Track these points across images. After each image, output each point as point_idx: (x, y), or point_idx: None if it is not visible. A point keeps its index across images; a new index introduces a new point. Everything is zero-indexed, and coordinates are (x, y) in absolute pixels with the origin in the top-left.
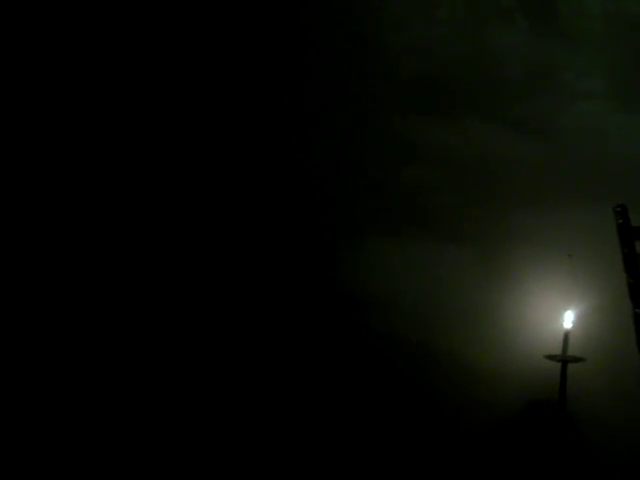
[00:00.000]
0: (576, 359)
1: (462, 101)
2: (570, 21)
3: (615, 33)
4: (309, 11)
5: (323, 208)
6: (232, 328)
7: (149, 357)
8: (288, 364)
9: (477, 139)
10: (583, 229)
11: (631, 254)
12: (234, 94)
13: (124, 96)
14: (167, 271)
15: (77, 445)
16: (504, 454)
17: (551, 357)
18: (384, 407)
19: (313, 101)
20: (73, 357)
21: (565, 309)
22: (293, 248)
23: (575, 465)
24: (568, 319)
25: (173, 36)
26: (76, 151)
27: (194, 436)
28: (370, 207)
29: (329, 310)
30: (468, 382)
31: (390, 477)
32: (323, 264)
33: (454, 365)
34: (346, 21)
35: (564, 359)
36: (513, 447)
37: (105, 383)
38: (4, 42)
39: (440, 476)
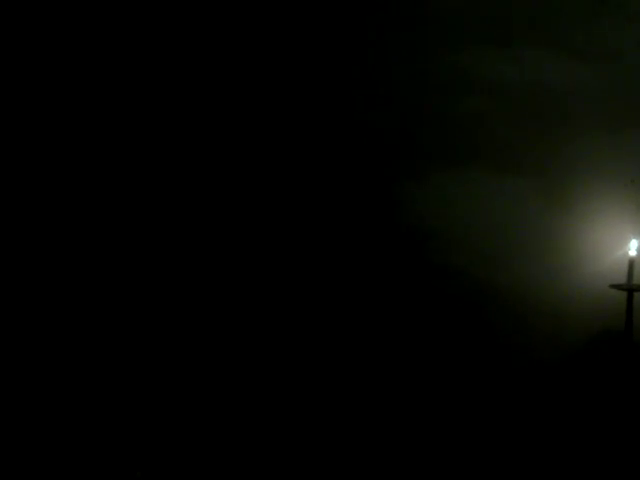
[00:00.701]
0: None
1: (518, 30)
2: None
3: None
4: None
5: (384, 145)
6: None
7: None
8: (349, 297)
9: (535, 68)
10: None
11: None
12: (281, 26)
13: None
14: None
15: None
16: (572, 385)
17: (617, 286)
18: (445, 342)
19: (369, 34)
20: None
21: (630, 237)
22: (355, 184)
23: None
24: (633, 247)
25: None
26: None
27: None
28: (430, 141)
29: (391, 245)
30: (531, 315)
31: (453, 412)
32: (385, 200)
33: (517, 298)
34: None
35: (630, 288)
36: (581, 378)
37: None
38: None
39: (506, 410)
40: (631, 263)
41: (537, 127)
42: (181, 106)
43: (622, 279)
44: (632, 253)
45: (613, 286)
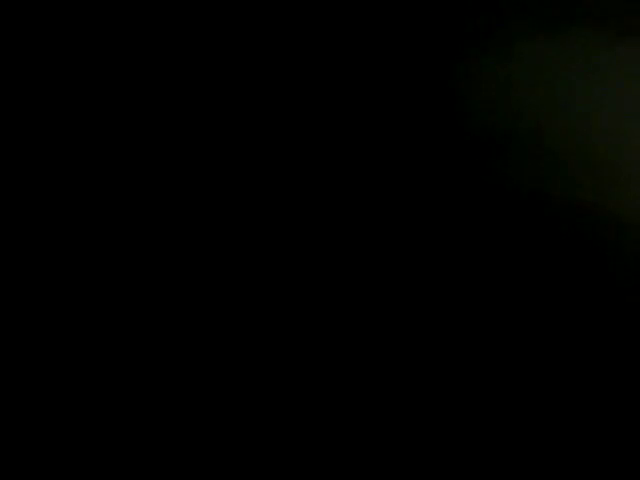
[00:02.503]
0: None
1: None
2: None
3: None
4: None
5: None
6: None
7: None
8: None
9: None
10: None
11: None
12: None
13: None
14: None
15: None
16: None
17: None
18: (527, 279)
19: None
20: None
21: None
22: (397, 63)
23: None
24: None
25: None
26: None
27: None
28: None
29: (451, 160)
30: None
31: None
32: (439, 89)
33: (631, 230)
34: None
35: None
36: None
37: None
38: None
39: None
40: None
41: None
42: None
43: None
44: None
45: None
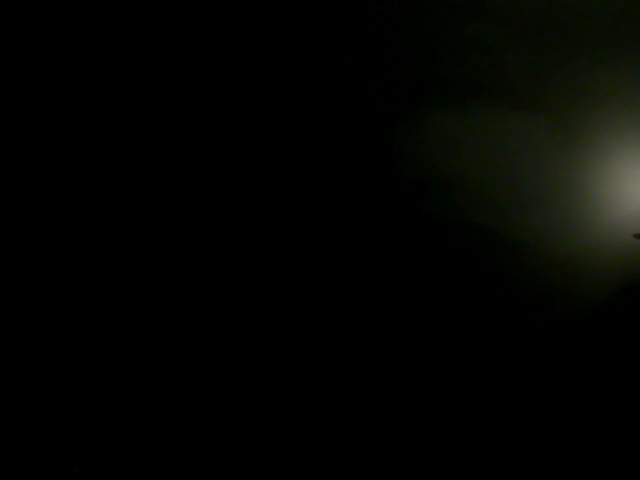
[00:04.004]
0: None
1: None
2: None
3: None
4: None
5: (376, 78)
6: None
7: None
8: (346, 254)
9: None
10: None
11: None
12: None
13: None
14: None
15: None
16: (592, 347)
17: None
18: (449, 303)
19: None
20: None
21: None
22: (346, 125)
23: None
24: None
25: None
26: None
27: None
28: (429, 74)
29: (387, 194)
30: (546, 270)
31: (462, 374)
32: (377, 143)
33: (529, 251)
34: None
35: None
36: (602, 339)
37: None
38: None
39: (519, 373)
40: None
41: (551, 56)
42: (183, 106)
43: None
44: None
45: (638, 235)
